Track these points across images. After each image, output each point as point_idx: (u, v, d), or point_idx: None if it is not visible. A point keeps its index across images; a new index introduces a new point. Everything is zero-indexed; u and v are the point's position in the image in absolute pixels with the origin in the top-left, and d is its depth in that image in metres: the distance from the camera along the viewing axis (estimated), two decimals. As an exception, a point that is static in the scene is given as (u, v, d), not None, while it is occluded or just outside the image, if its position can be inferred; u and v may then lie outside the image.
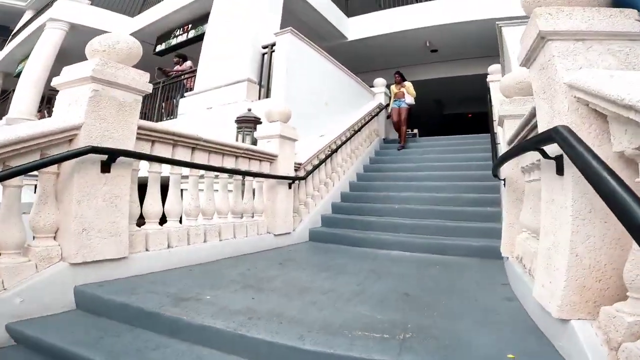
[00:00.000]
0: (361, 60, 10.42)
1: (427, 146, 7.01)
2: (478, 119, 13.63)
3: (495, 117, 5.24)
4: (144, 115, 7.22)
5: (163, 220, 3.15)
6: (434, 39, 9.13)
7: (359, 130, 6.61)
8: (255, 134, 4.46)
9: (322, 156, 5.44)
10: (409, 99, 7.55)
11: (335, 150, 5.74)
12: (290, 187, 4.55)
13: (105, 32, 8.07)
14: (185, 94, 6.04)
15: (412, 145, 7.15)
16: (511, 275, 2.82)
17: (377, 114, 7.47)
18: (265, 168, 4.26)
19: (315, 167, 5.17)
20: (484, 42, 9.03)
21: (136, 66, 2.68)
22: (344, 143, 5.99)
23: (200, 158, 3.34)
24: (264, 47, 5.55)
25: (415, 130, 11.62)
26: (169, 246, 3.01)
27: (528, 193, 2.83)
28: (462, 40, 9.13)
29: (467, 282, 2.93)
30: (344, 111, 6.65)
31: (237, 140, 4.69)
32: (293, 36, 5.22)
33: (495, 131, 5.01)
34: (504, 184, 3.31)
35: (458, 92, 11.85)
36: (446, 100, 13.24)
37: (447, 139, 7.40)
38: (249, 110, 4.78)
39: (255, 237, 4.09)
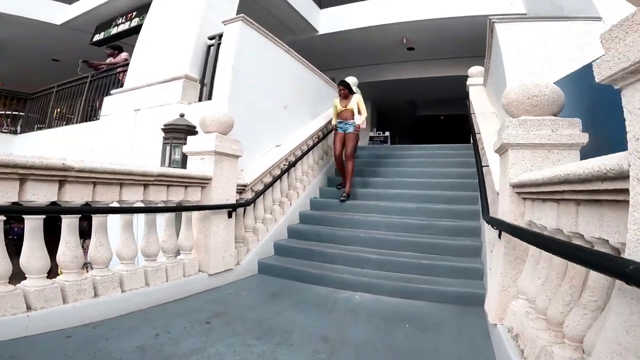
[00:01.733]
0: (332, 56, 9.34)
1: (398, 156, 6.06)
2: (451, 121, 12.90)
3: (479, 129, 4.35)
4: (79, 116, 5.84)
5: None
6: (411, 36, 8.14)
7: (324, 137, 5.58)
8: (185, 149, 3.34)
9: (277, 172, 4.39)
10: (359, 119, 5.08)
11: (294, 163, 4.69)
12: (230, 216, 3.49)
13: (35, 20, 6.61)
14: (112, 92, 4.77)
15: (383, 154, 6.18)
16: (500, 353, 2.11)
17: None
18: (193, 195, 3.17)
19: (267, 186, 4.12)
20: (463, 41, 8.16)
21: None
22: (305, 153, 4.95)
23: (77, 193, 2.22)
24: (211, 38, 4.37)
25: (387, 133, 10.68)
26: (29, 308, 2.05)
27: (538, 259, 1.96)
28: (441, 39, 8.21)
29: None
30: (307, 115, 5.59)
31: (164, 154, 3.54)
32: (245, 25, 4.07)
33: (480, 145, 4.10)
34: (499, 236, 2.39)
35: (432, 94, 11.01)
36: (420, 101, 12.40)
37: (420, 149, 6.44)
38: (182, 115, 3.64)
39: (180, 281, 3.07)
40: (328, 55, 9.29)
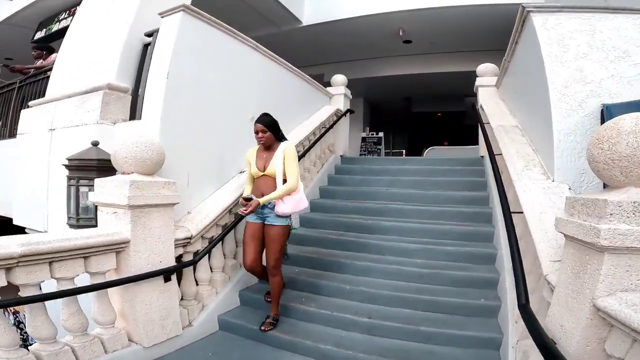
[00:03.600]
0: (319, 51, 8.14)
1: (393, 173, 4.86)
2: (448, 119, 11.80)
3: (500, 149, 3.26)
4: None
5: None
6: (408, 27, 6.95)
7: (307, 151, 4.49)
8: (91, 197, 2.27)
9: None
10: (290, 203, 2.60)
11: (264, 192, 3.62)
12: (169, 279, 2.47)
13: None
14: (30, 103, 3.62)
15: (376, 170, 5.05)
16: None
17: (333, 124, 5.33)
18: (102, 264, 2.13)
19: (227, 229, 3.07)
20: (467, 33, 7.03)
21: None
22: (279, 177, 3.87)
23: None
24: (149, 35, 3.23)
25: (381, 134, 9.53)
26: None
27: None
28: (441, 31, 7.03)
29: None
30: (286, 125, 4.48)
31: (69, 200, 2.46)
32: (188, 16, 2.92)
33: (502, 162, 3.05)
34: None
35: (429, 90, 9.87)
36: (416, 97, 11.23)
37: (419, 162, 5.30)
38: (95, 144, 2.54)
39: None
40: (314, 50, 8.10)
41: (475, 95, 5.04)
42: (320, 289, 3.26)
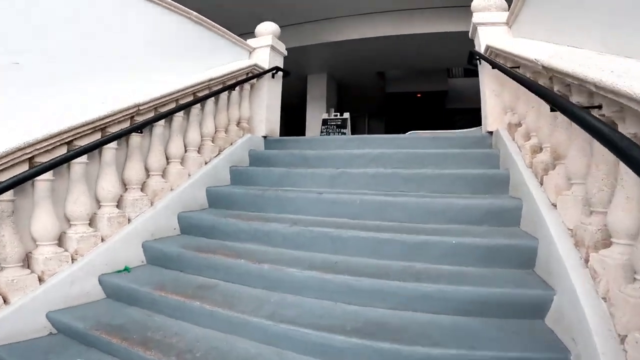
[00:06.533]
0: (267, 9, 5.86)
1: (339, 161, 2.66)
2: (429, 100, 9.76)
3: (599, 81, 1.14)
4: None
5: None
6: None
7: (157, 119, 2.29)
8: None
9: None
10: None
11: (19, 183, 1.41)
12: None
13: None
14: None
15: (312, 158, 2.78)
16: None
17: (240, 82, 3.08)
18: None
19: None
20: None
21: None
22: (78, 156, 1.66)
23: None
24: None
25: (346, 115, 7.32)
26: None
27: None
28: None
29: None
30: (136, 81, 2.27)
31: None
32: None
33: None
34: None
35: (407, 62, 7.76)
36: (390, 75, 9.10)
37: (383, 144, 2.82)
38: None
39: None
40: (261, 7, 5.85)
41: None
42: None
